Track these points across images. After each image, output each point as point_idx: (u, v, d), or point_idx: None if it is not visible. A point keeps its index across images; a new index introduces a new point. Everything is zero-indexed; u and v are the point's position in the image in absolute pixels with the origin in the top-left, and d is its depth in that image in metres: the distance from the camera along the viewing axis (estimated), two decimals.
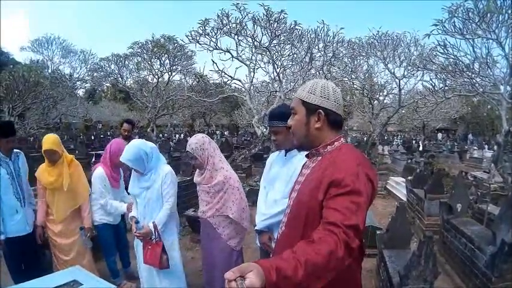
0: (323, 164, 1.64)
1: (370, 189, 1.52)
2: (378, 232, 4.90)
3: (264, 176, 3.19)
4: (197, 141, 3.20)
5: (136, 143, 3.41)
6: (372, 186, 1.53)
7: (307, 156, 1.82)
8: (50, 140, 3.71)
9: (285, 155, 2.90)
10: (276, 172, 2.96)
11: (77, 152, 14.99)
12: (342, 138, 1.72)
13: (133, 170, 3.44)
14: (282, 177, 2.84)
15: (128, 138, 5.42)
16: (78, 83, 28.38)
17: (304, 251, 1.25)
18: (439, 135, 38.72)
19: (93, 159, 12.39)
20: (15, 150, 3.86)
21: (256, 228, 3.02)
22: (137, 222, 3.42)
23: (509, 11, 10.45)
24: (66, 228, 3.89)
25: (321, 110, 1.66)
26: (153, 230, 3.29)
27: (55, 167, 3.77)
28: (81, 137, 28.49)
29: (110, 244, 4.34)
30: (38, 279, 2.83)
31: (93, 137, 28.40)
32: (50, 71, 27.49)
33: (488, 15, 10.58)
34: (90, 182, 4.07)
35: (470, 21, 11.01)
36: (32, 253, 3.86)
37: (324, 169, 1.59)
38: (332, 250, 1.27)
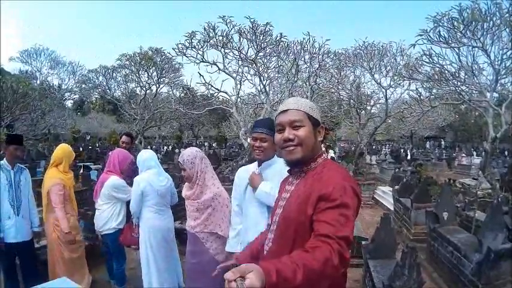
0: (308, 180, 1.68)
1: (356, 202, 1.58)
2: (363, 242, 4.87)
3: (237, 196, 2.94)
4: (189, 154, 3.25)
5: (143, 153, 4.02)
6: (357, 199, 1.60)
7: (289, 172, 1.85)
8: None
9: (259, 166, 2.70)
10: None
11: None
12: (323, 155, 1.78)
13: None
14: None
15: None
16: (66, 94, 28.44)
17: (301, 257, 1.27)
18: (428, 144, 39.00)
19: (81, 171, 12.32)
20: (20, 165, 4.13)
21: (227, 249, 3.03)
22: None
23: (494, 19, 10.62)
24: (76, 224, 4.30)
25: (323, 125, 1.77)
26: None
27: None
28: None
29: (122, 249, 4.41)
30: None
31: (81, 149, 28.03)
32: (38, 82, 27.35)
33: (473, 23, 10.73)
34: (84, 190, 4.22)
35: (455, 29, 11.16)
36: (27, 264, 4.08)
37: (310, 184, 1.64)
38: (327, 258, 1.30)
